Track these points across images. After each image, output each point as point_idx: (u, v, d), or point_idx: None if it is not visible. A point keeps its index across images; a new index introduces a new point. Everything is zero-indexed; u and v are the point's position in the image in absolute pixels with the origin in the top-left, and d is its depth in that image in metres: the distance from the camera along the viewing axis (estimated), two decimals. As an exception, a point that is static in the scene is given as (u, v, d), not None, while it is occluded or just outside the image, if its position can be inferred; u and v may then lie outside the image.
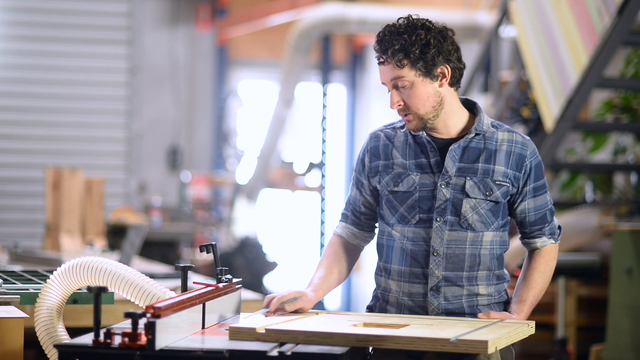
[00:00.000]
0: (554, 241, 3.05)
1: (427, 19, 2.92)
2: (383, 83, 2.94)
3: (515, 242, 3.11)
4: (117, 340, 2.40)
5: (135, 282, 2.78)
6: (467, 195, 2.92)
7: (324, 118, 9.84)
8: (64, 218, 5.82)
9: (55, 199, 5.90)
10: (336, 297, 11.18)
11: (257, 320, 2.69)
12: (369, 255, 3.12)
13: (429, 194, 2.94)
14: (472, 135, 2.95)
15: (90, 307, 2.72)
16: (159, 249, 8.14)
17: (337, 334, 2.49)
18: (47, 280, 2.84)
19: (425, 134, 2.96)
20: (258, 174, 9.98)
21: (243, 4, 10.68)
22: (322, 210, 9.88)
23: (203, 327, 2.72)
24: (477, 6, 8.89)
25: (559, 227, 3.08)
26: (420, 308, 2.94)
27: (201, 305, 2.70)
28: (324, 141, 9.84)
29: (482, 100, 8.01)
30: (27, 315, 2.82)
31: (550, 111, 5.94)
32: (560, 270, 5.61)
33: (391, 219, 2.98)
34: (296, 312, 2.89)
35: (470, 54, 8.34)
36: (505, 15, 7.11)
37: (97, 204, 5.97)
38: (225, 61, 10.77)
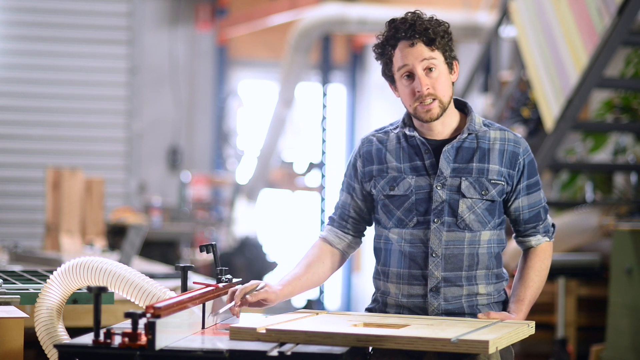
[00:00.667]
0: (548, 239, 3.05)
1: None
2: (404, 69, 2.88)
3: (515, 242, 3.11)
4: (117, 340, 2.40)
5: (135, 282, 2.78)
6: (463, 196, 2.92)
7: (324, 118, 9.84)
8: (64, 218, 5.82)
9: (55, 199, 5.90)
10: (336, 297, 11.18)
11: (258, 320, 2.69)
12: (369, 254, 3.11)
13: (425, 196, 2.94)
14: (464, 135, 2.95)
15: (90, 307, 2.72)
16: (159, 249, 8.14)
17: (337, 334, 2.49)
18: (47, 280, 2.84)
19: (418, 135, 2.96)
20: (258, 174, 9.98)
21: (243, 4, 10.68)
22: (322, 210, 9.88)
23: (203, 327, 2.72)
24: (477, 6, 8.88)
25: (553, 225, 3.08)
26: (420, 309, 2.94)
27: (201, 305, 2.70)
28: (324, 141, 9.84)
29: (482, 100, 8.01)
30: (27, 315, 2.82)
31: (550, 111, 5.94)
32: (560, 270, 5.61)
33: (388, 222, 2.97)
34: (260, 303, 2.85)
35: (470, 54, 8.35)
36: (505, 15, 7.11)
37: (97, 204, 5.97)
38: (225, 61, 10.77)
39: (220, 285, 2.87)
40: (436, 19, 2.92)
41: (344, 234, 3.09)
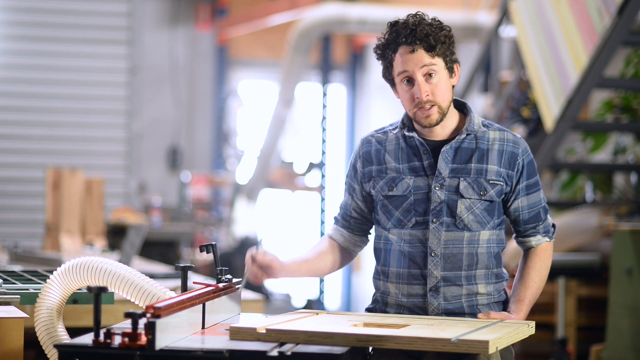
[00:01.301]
0: (548, 239, 3.05)
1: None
2: (404, 75, 2.89)
3: (515, 242, 3.11)
4: (117, 340, 2.40)
5: (135, 282, 2.78)
6: (462, 196, 2.92)
7: (324, 118, 9.84)
8: (64, 218, 5.82)
9: (55, 199, 5.90)
10: (336, 297, 11.18)
11: (258, 320, 2.69)
12: (369, 255, 3.12)
13: (423, 196, 2.94)
14: (463, 135, 2.95)
15: (90, 307, 2.72)
16: (159, 249, 8.14)
17: (337, 334, 2.49)
18: (47, 280, 2.83)
19: (417, 136, 2.96)
20: (258, 174, 9.98)
21: (243, 4, 10.68)
22: (322, 210, 9.88)
23: (203, 327, 2.72)
24: (477, 6, 8.88)
25: (553, 225, 3.08)
26: (419, 309, 2.94)
27: (201, 305, 2.70)
28: (324, 141, 9.84)
29: (482, 101, 8.01)
30: (27, 315, 2.82)
31: (550, 111, 5.94)
32: (560, 270, 5.61)
33: (387, 223, 2.98)
34: (265, 271, 2.93)
35: (470, 54, 8.35)
36: (505, 15, 7.11)
37: (97, 204, 5.97)
38: (225, 61, 10.77)
39: (220, 285, 2.87)
40: (438, 23, 2.91)
41: (348, 234, 3.11)
